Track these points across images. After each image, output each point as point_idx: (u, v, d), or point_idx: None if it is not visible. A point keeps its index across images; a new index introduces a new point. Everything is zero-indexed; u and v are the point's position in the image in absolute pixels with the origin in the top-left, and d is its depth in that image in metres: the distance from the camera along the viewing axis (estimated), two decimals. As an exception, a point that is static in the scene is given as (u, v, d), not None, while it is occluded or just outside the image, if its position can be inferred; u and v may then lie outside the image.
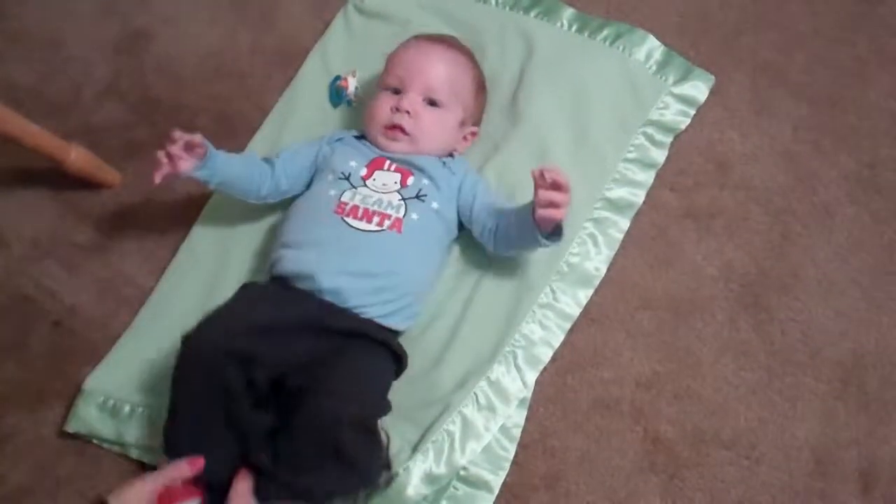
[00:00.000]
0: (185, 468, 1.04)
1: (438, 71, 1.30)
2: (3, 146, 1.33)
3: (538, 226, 1.15)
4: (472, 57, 1.38)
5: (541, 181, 1.12)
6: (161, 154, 1.17)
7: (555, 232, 1.17)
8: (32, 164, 1.42)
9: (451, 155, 1.33)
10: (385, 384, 1.16)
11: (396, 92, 1.30)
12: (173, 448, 1.09)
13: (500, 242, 1.23)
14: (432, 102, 1.29)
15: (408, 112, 1.27)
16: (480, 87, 1.38)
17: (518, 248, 1.24)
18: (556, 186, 1.12)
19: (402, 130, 1.27)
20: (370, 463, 1.08)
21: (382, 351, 1.16)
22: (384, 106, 1.29)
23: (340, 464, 1.03)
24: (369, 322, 1.16)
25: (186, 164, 1.19)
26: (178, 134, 1.17)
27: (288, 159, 1.31)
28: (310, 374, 1.08)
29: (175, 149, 1.17)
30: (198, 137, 1.19)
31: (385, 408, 1.12)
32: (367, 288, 1.16)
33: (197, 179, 1.21)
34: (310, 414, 1.03)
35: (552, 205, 1.12)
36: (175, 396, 1.09)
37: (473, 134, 1.37)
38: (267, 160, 1.30)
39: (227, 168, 1.24)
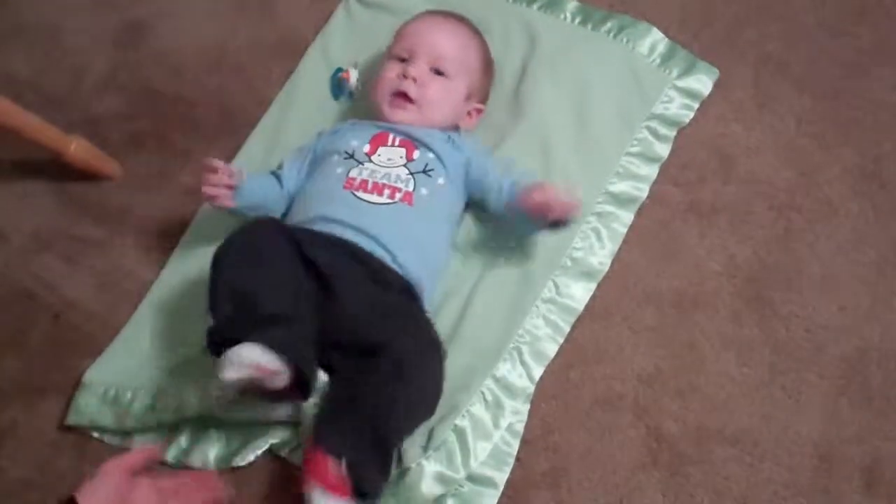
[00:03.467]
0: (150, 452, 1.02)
1: (447, 41, 1.31)
2: (3, 138, 1.32)
3: (537, 216, 1.17)
4: (480, 36, 1.38)
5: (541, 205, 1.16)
6: (210, 190, 1.20)
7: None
8: (32, 156, 1.41)
9: (456, 130, 1.33)
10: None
11: (403, 61, 1.30)
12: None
13: (516, 224, 1.25)
14: (439, 72, 1.29)
15: (414, 79, 1.27)
16: (488, 64, 1.38)
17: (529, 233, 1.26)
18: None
19: (408, 98, 1.28)
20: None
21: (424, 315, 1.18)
22: (390, 73, 1.30)
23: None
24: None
25: (229, 201, 1.22)
26: (216, 164, 1.20)
27: (290, 169, 1.31)
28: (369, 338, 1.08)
29: (219, 179, 1.20)
30: (243, 174, 1.23)
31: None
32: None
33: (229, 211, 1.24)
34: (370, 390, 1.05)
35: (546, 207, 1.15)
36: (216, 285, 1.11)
37: (479, 111, 1.37)
38: (274, 174, 1.30)
39: (252, 197, 1.25)
